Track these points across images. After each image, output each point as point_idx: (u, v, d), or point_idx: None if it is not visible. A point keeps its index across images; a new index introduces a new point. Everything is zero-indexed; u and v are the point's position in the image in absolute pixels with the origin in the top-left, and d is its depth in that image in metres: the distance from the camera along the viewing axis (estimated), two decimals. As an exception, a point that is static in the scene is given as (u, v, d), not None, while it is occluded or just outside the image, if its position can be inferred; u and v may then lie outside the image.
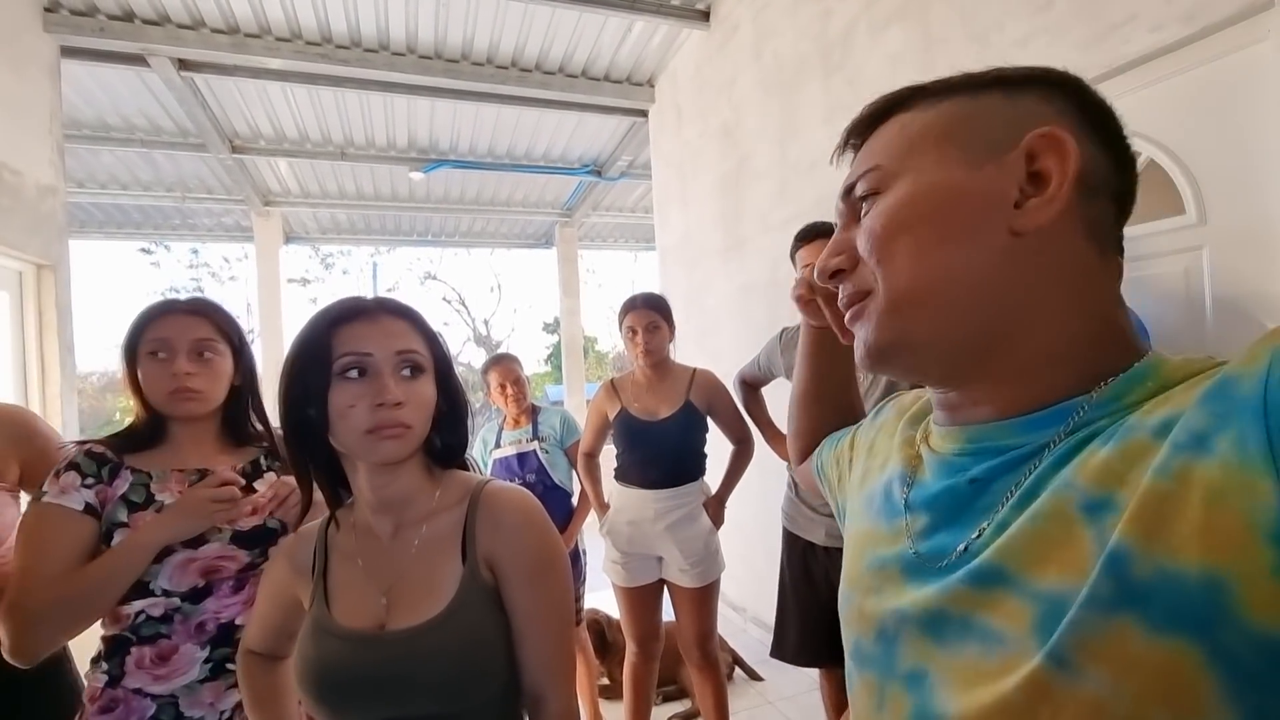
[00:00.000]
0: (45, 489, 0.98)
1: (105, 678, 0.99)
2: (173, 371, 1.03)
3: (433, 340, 0.82)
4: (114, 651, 1.00)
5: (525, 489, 0.86)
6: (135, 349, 1.05)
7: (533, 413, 2.51)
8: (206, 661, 1.01)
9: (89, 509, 0.98)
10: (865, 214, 0.47)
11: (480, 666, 0.75)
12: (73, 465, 1.00)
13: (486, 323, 19.05)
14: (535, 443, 2.45)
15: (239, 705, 0.99)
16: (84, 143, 4.19)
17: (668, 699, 2.58)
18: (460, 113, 4.38)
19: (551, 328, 20.61)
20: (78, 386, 3.18)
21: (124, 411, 10.67)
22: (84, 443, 1.05)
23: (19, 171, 2.76)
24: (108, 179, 4.97)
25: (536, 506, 0.83)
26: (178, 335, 1.05)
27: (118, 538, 0.98)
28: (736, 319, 3.35)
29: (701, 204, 3.75)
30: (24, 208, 2.78)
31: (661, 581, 2.07)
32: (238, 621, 1.04)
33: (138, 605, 0.99)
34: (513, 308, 22.60)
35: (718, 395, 2.08)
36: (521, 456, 2.44)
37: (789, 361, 1.89)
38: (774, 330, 2.09)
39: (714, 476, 2.14)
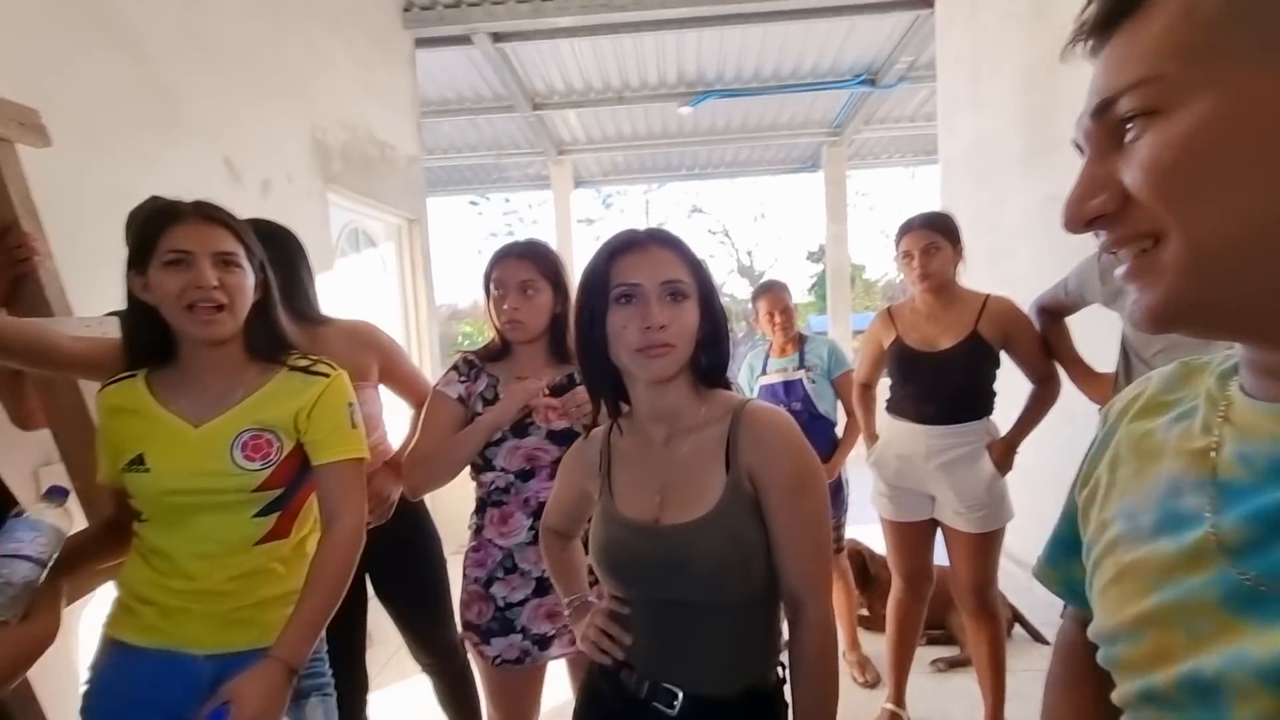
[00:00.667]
0: (438, 383, 1.36)
1: (475, 527, 1.36)
2: (505, 307, 1.31)
3: (697, 268, 0.89)
4: (479, 510, 1.36)
5: (784, 410, 0.91)
6: (488, 286, 1.35)
7: (800, 341, 2.49)
8: (530, 529, 1.30)
9: (459, 398, 1.32)
10: (1135, 139, 0.37)
11: (742, 564, 0.84)
12: (454, 367, 1.37)
13: (750, 253, 19.15)
14: (802, 371, 2.44)
15: None
16: (430, 117, 5.18)
17: (933, 642, 2.50)
18: (726, 40, 4.35)
19: (816, 256, 19.84)
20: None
21: (464, 336, 13.38)
22: (463, 353, 1.40)
23: (394, 146, 3.56)
24: (447, 145, 6.11)
25: (795, 428, 0.87)
26: (509, 277, 1.31)
27: None
28: (1038, 238, 2.86)
29: (999, 103, 3.21)
30: (397, 175, 3.59)
31: (934, 521, 1.97)
32: None
33: (488, 477, 1.32)
34: (776, 236, 22.22)
35: (1015, 326, 1.83)
36: (788, 385, 2.45)
37: (1112, 289, 1.58)
38: (1087, 250, 1.71)
39: (1006, 417, 1.91)
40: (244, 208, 1.10)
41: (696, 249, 0.91)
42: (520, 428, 1.29)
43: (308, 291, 1.50)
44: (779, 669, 0.93)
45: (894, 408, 2.00)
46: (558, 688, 1.41)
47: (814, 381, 2.42)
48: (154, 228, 0.96)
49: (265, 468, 0.99)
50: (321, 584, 0.98)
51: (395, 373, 1.63)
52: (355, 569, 1.03)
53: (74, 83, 1.64)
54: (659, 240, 0.88)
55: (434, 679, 1.73)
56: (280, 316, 1.09)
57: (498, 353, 1.37)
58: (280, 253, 1.30)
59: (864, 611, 2.73)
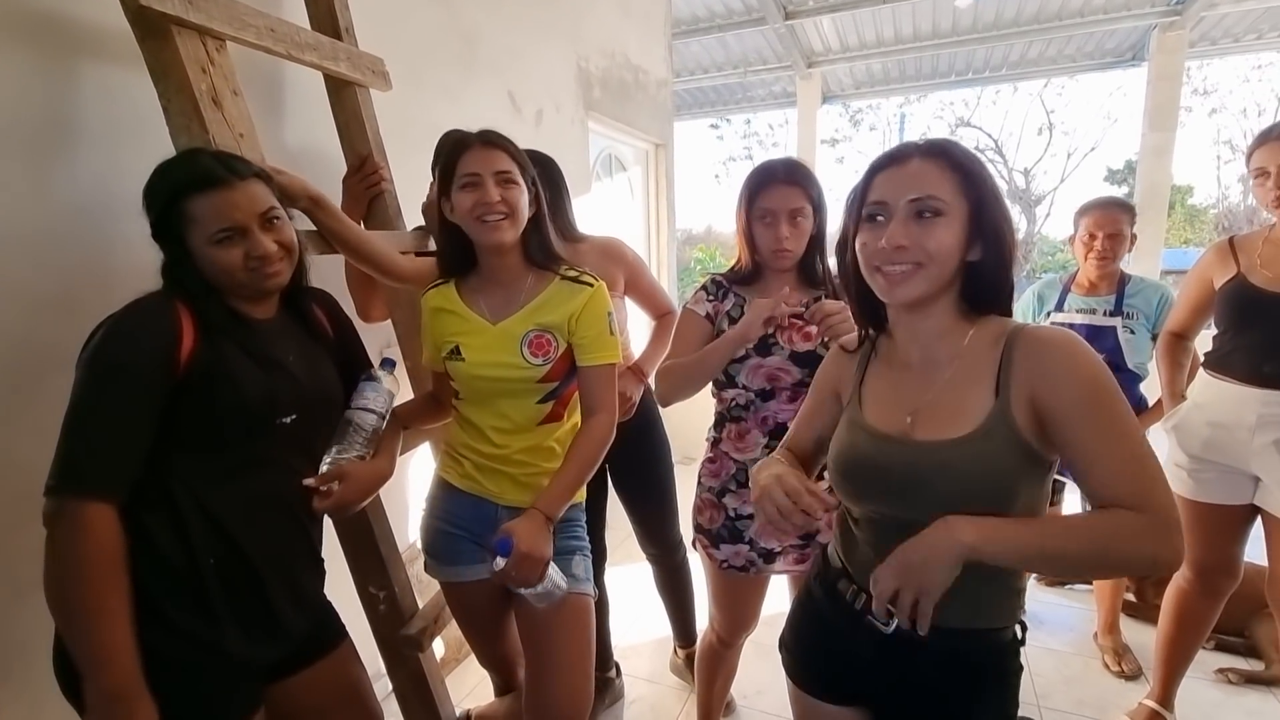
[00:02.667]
0: (688, 302, 1.43)
1: (712, 440, 1.45)
2: (775, 235, 1.30)
3: (971, 180, 0.80)
4: (718, 424, 1.44)
5: (1067, 328, 0.80)
6: (750, 208, 1.33)
7: (1120, 281, 2.01)
8: (765, 447, 1.35)
9: (707, 316, 1.39)
10: None
11: (989, 495, 0.77)
12: (703, 287, 1.43)
13: (1027, 172, 16.25)
14: (1118, 319, 1.97)
15: None
16: (680, 38, 5.19)
17: (1223, 649, 2.08)
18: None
19: (1120, 175, 16.19)
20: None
21: (697, 261, 13.67)
22: (711, 274, 1.45)
23: (646, 70, 3.66)
24: (694, 66, 6.10)
25: (1082, 344, 0.77)
26: (779, 205, 1.29)
27: None
28: None
29: None
30: (648, 99, 3.70)
31: (1252, 508, 1.60)
32: (788, 425, 1.32)
33: (730, 393, 1.38)
34: (1065, 152, 18.29)
35: None
36: (1095, 330, 1.98)
37: None
38: None
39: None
40: (521, 137, 1.24)
41: (976, 159, 0.82)
42: (764, 347, 1.31)
43: (567, 213, 1.68)
44: (1017, 628, 0.86)
45: (1216, 363, 1.62)
46: (778, 597, 1.48)
47: (1132, 333, 1.96)
48: (451, 158, 1.16)
49: (545, 363, 1.17)
50: (577, 460, 1.18)
51: (638, 285, 1.77)
52: (605, 452, 1.21)
53: (404, 32, 1.96)
54: (925, 152, 0.82)
55: (655, 568, 1.96)
56: (550, 230, 1.25)
57: (746, 276, 1.39)
58: (546, 177, 1.47)
59: (1130, 596, 2.36)
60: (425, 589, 1.68)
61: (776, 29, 5.07)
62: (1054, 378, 0.76)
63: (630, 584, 2.42)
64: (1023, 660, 0.89)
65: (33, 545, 1.14)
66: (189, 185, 0.92)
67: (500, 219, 1.13)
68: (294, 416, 1.00)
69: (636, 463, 1.78)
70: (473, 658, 2.14)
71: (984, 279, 0.83)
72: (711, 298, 1.40)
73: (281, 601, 1.00)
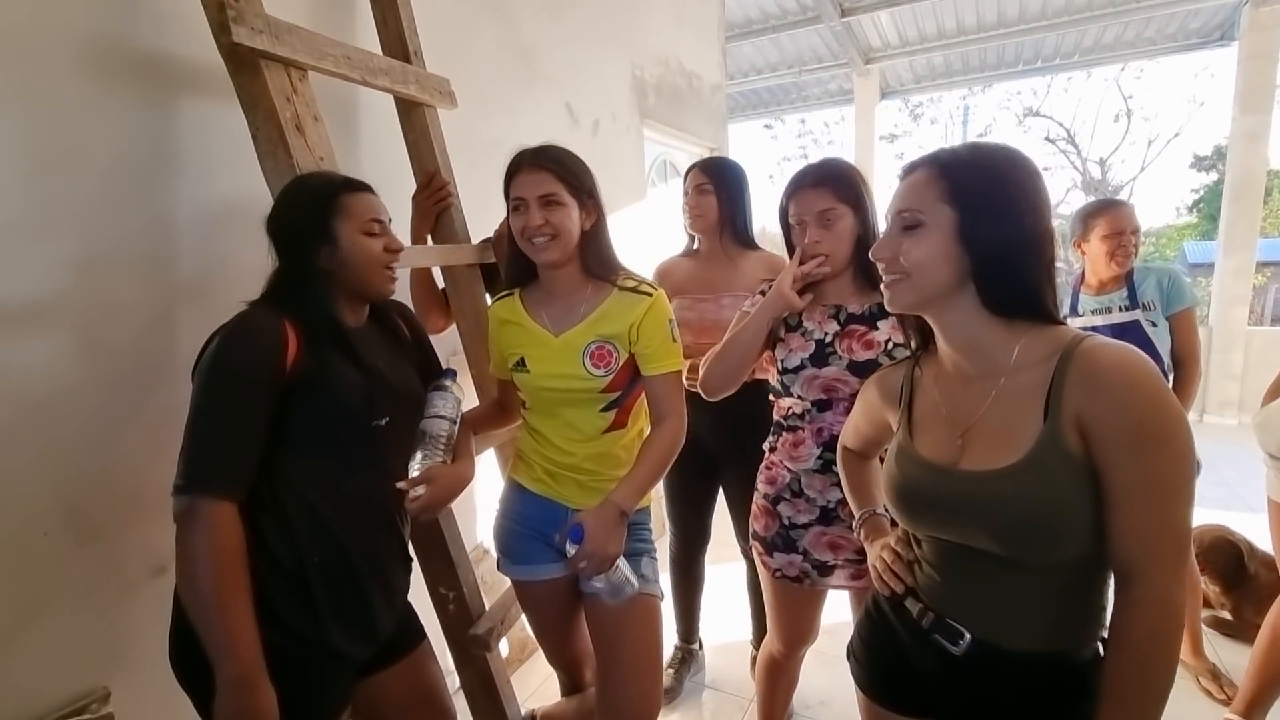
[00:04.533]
0: (746, 304, 1.42)
1: (770, 447, 1.43)
2: (806, 241, 1.27)
3: (961, 188, 0.79)
4: (775, 431, 1.42)
5: (1134, 346, 0.75)
6: (785, 219, 1.33)
7: (1126, 273, 2.02)
8: (819, 459, 1.31)
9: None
10: None
11: (1048, 525, 0.74)
12: (760, 293, 1.39)
13: (1103, 162, 15.37)
14: (1137, 311, 1.96)
15: (840, 501, 1.28)
16: (733, 41, 5.17)
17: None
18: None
19: (1208, 162, 15.12)
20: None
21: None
22: (767, 280, 1.43)
23: (700, 76, 3.66)
24: (747, 68, 6.06)
25: (1148, 367, 0.72)
26: (806, 210, 1.27)
27: (780, 351, 1.33)
28: None
29: None
30: (702, 104, 3.71)
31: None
32: None
33: (786, 402, 1.36)
34: (1146, 139, 17.15)
35: None
36: (1119, 329, 1.97)
37: None
38: None
39: None
40: (578, 147, 1.26)
41: (978, 166, 0.80)
42: (821, 357, 1.28)
43: (746, 219, 1.84)
44: (1099, 645, 0.82)
45: None
46: (839, 608, 1.46)
47: (1154, 324, 1.94)
48: (506, 179, 1.21)
49: (607, 374, 1.19)
50: (649, 459, 1.21)
51: None
52: (676, 456, 1.24)
53: (467, 51, 2.03)
54: (919, 163, 0.84)
55: (747, 563, 1.96)
56: (609, 240, 1.26)
57: (803, 286, 1.33)
58: (724, 184, 1.80)
59: (1226, 614, 2.20)
60: (491, 591, 1.73)
61: (832, 27, 4.99)
62: (1106, 400, 0.71)
63: (727, 579, 2.35)
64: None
65: (140, 544, 1.25)
66: (345, 185, 1.07)
67: (545, 241, 1.17)
68: (388, 419, 1.06)
69: (741, 454, 1.78)
70: (535, 659, 2.19)
71: (996, 282, 0.80)
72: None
73: (377, 601, 1.05)
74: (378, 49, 1.57)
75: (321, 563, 0.98)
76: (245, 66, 1.17)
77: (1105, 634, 0.82)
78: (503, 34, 2.21)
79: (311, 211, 1.02)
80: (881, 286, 0.86)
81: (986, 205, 0.78)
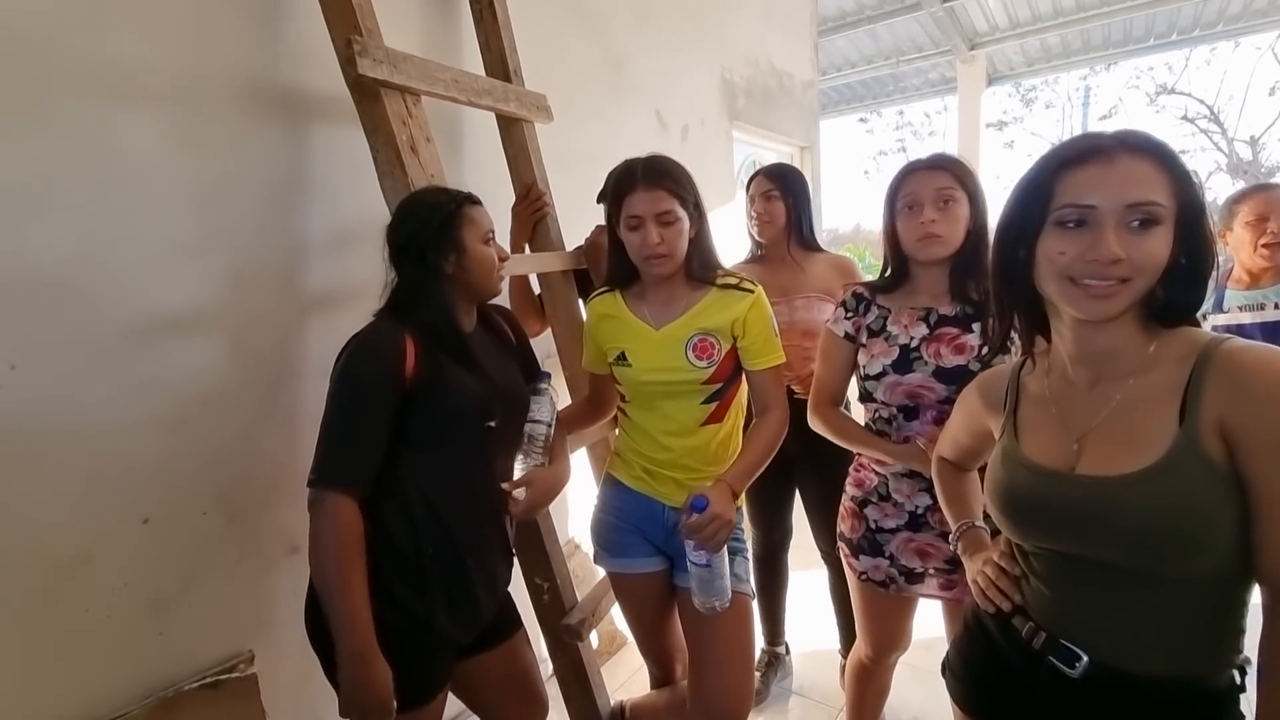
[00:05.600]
0: (828, 320, 1.39)
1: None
2: (920, 220, 1.19)
3: (1183, 183, 0.70)
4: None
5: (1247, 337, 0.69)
6: (894, 203, 1.26)
7: None
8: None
9: (846, 335, 1.34)
10: None
11: (1182, 535, 0.69)
12: (842, 303, 1.36)
13: (1254, 141, 13.65)
14: None
15: (929, 507, 1.24)
16: (826, 35, 5.04)
17: None
18: None
19: (1392, 136, 13.10)
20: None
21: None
22: (850, 285, 1.39)
23: (791, 74, 3.61)
24: (842, 62, 5.89)
25: None
26: (923, 189, 1.21)
27: (862, 357, 1.30)
28: None
29: None
30: (792, 102, 3.65)
31: None
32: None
33: (871, 407, 1.33)
34: (1309, 114, 14.94)
35: None
36: (1272, 328, 1.79)
37: None
38: None
39: None
40: (667, 152, 1.28)
41: (1180, 156, 0.71)
42: (905, 362, 1.23)
43: (810, 222, 1.88)
44: (1237, 671, 0.75)
45: None
46: (934, 622, 1.40)
47: None
48: (616, 195, 1.23)
49: (710, 366, 1.22)
50: (755, 447, 1.25)
51: None
52: (779, 444, 1.27)
53: (560, 65, 2.12)
54: (1132, 147, 0.70)
55: (831, 571, 1.93)
56: (711, 244, 1.30)
57: (891, 282, 1.30)
58: (789, 189, 1.83)
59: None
60: (582, 584, 1.80)
61: (933, 13, 4.76)
62: (1253, 405, 0.66)
63: (808, 585, 2.31)
64: (1244, 709, 0.77)
65: (279, 524, 1.41)
66: (467, 199, 1.16)
67: (662, 259, 1.21)
68: (497, 420, 1.14)
69: (819, 456, 1.76)
70: (623, 654, 2.25)
71: (1177, 291, 0.73)
72: (850, 314, 1.33)
73: (481, 589, 1.14)
74: (481, 68, 1.68)
75: (435, 551, 1.07)
76: (368, 95, 1.28)
77: (1241, 659, 0.76)
78: (593, 45, 2.28)
79: (440, 222, 1.11)
80: (1082, 295, 0.72)
81: (1199, 202, 0.71)
